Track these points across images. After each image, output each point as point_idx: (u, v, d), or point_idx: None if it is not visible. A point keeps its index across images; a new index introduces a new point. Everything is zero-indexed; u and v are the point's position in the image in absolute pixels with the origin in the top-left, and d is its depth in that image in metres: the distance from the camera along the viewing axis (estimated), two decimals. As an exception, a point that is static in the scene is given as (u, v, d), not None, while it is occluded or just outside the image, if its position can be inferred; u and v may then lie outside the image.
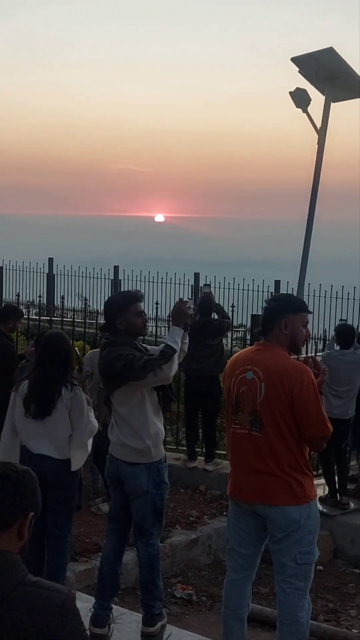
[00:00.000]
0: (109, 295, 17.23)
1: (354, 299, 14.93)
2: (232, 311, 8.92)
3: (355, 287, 14.83)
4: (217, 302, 8.63)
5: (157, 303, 9.65)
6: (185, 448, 7.91)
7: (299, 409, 3.51)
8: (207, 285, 8.95)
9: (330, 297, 15.11)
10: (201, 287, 15.83)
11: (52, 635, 1.85)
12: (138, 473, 4.07)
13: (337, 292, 15.08)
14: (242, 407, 3.66)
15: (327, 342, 9.20)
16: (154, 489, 4.10)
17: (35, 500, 1.98)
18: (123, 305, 4.17)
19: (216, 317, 7.99)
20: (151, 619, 4.20)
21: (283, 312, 3.68)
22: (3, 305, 9.51)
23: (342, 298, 14.99)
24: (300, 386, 3.51)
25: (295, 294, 9.19)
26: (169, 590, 5.63)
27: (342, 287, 15.02)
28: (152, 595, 4.22)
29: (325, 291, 15.08)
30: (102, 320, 6.35)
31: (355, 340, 7.31)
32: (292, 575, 3.63)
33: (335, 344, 7.41)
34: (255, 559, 3.85)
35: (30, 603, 1.86)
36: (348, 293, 14.94)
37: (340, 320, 9.29)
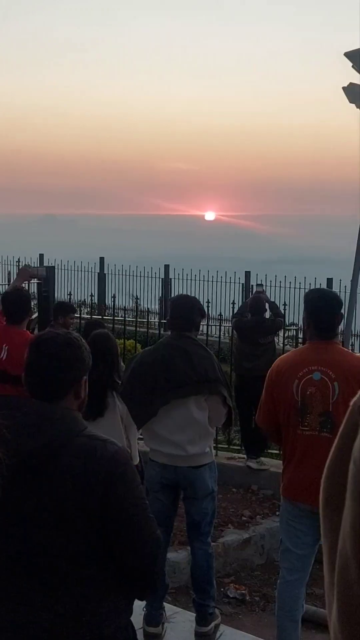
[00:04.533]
0: (160, 294, 17.33)
1: None
2: (285, 309, 8.86)
3: None
4: (272, 301, 8.59)
5: (208, 302, 9.64)
6: (239, 447, 7.89)
7: None
8: (260, 285, 8.92)
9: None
10: (252, 285, 15.76)
11: (102, 481, 2.00)
12: (204, 474, 4.10)
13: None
14: (310, 409, 3.61)
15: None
16: (216, 486, 4.17)
17: (88, 365, 2.22)
18: (200, 308, 4.21)
19: (268, 315, 7.96)
20: (205, 618, 4.20)
21: (341, 308, 3.68)
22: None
23: None
24: None
25: (348, 292, 9.08)
26: (222, 590, 5.62)
27: None
28: (207, 595, 4.21)
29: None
30: (153, 319, 6.39)
31: None
32: None
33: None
34: (310, 559, 3.82)
35: (85, 451, 2.03)
36: None
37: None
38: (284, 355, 3.93)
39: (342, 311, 3.69)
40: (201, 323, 4.43)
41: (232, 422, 4.32)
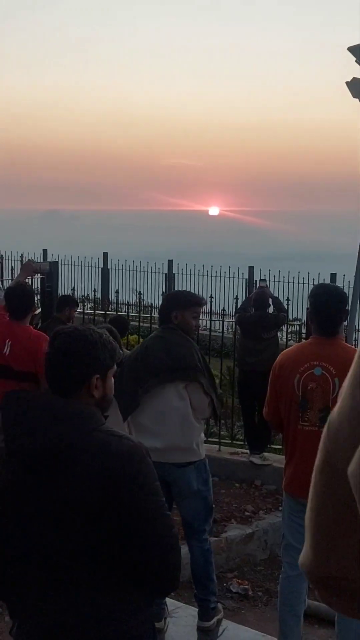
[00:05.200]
0: (163, 289, 17.33)
1: None
2: (288, 305, 8.85)
3: None
4: (275, 296, 8.59)
5: (211, 297, 9.64)
6: (242, 442, 7.89)
7: None
8: (263, 280, 8.93)
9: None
10: (256, 280, 15.75)
11: (117, 477, 1.99)
12: (189, 475, 4.08)
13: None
14: (310, 404, 3.61)
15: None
16: (203, 486, 4.12)
17: (105, 362, 2.19)
18: (185, 302, 4.21)
19: (271, 310, 7.95)
20: (207, 613, 4.21)
21: (346, 304, 3.69)
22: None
23: None
24: None
25: (352, 287, 9.06)
26: (225, 584, 5.62)
27: None
28: (207, 590, 4.22)
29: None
30: (156, 314, 6.39)
31: None
32: None
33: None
34: (312, 555, 3.82)
35: (100, 446, 2.02)
36: None
37: None
38: (287, 349, 3.93)
39: (347, 307, 3.68)
40: (202, 319, 4.50)
41: (217, 414, 4.25)
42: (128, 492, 2.00)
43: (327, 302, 3.68)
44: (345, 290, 13.48)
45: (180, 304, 4.23)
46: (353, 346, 9.22)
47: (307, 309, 8.71)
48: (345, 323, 6.02)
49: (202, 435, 4.28)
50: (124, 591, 2.08)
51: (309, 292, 3.87)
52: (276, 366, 3.81)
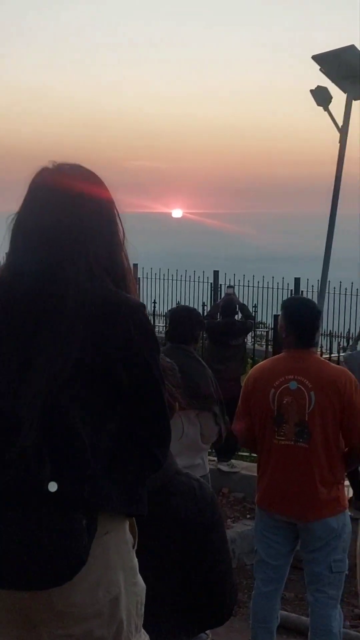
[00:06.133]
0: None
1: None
2: (255, 311, 8.88)
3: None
4: (243, 303, 8.62)
5: (178, 303, 9.63)
6: (210, 450, 7.86)
7: (349, 416, 3.48)
8: (231, 287, 8.97)
9: (351, 294, 15.00)
10: (221, 285, 15.77)
11: (206, 523, 2.03)
12: None
13: (357, 290, 14.96)
14: (286, 419, 3.60)
15: (350, 341, 9.13)
16: None
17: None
18: (200, 320, 4.18)
19: (239, 317, 7.97)
20: None
21: (318, 318, 3.69)
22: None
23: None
24: (351, 392, 3.48)
25: (317, 291, 9.14)
26: (193, 595, 5.59)
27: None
28: None
29: (346, 289, 14.96)
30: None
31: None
32: (326, 584, 3.60)
33: (358, 345, 7.36)
34: (285, 569, 3.82)
35: (186, 491, 2.04)
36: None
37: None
38: (261, 363, 3.92)
39: (320, 321, 3.70)
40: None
41: (222, 440, 4.23)
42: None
43: (299, 315, 3.68)
44: (309, 293, 13.61)
45: (203, 325, 4.16)
46: (319, 352, 9.30)
47: (275, 315, 8.78)
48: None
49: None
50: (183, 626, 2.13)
51: (282, 303, 3.86)
52: (249, 381, 3.78)
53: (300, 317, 3.67)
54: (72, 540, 1.56)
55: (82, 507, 1.59)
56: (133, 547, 1.78)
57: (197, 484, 2.06)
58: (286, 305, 3.80)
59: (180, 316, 4.19)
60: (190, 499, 2.01)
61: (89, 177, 1.88)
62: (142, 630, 1.81)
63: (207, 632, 4.35)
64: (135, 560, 1.78)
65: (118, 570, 1.70)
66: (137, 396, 1.72)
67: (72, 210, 1.78)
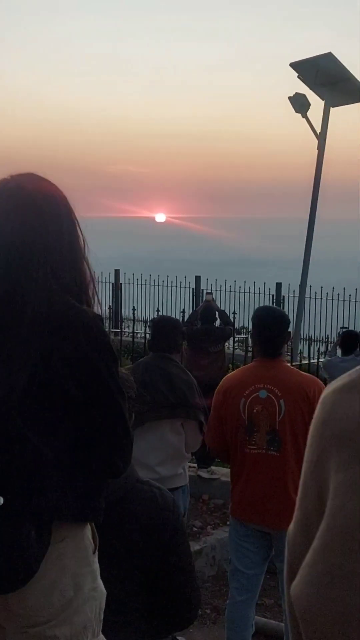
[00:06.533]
0: (110, 300, 17.23)
1: (355, 301, 14.90)
2: (234, 318, 8.92)
3: (357, 289, 14.81)
4: (222, 309, 8.64)
5: (157, 310, 9.64)
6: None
7: None
8: (210, 294, 8.98)
9: (332, 299, 15.08)
10: (203, 290, 15.80)
11: (168, 529, 2.09)
12: (177, 498, 4.08)
13: (338, 295, 15.04)
14: (257, 427, 3.61)
15: (330, 346, 9.18)
16: (187, 509, 4.16)
17: None
18: (182, 330, 4.32)
19: (218, 324, 7.99)
20: None
21: (288, 326, 3.70)
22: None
23: (344, 300, 14.97)
24: (319, 397, 3.49)
25: (297, 296, 9.18)
26: (173, 602, 5.59)
27: (344, 289, 14.99)
28: None
29: (327, 293, 15.05)
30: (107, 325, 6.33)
31: (358, 347, 7.29)
32: None
33: (337, 350, 7.40)
34: (260, 578, 3.83)
35: (147, 498, 2.13)
36: (350, 295, 14.91)
37: (342, 327, 9.31)
38: (231, 374, 3.93)
39: (290, 330, 3.71)
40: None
41: (206, 448, 4.25)
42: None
43: (268, 324, 3.71)
44: (291, 298, 13.57)
45: (185, 335, 4.22)
46: (298, 357, 9.35)
47: (250, 331, 8.84)
48: (290, 343, 6.09)
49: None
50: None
51: (253, 313, 3.88)
52: (220, 391, 3.79)
53: (266, 328, 3.70)
54: (20, 551, 1.63)
55: (29, 520, 1.65)
56: (93, 552, 1.82)
57: (159, 492, 2.12)
58: (254, 315, 3.83)
59: (163, 326, 4.23)
60: (152, 505, 2.07)
61: (46, 188, 1.87)
62: (101, 635, 1.84)
63: (181, 638, 4.37)
64: (96, 565, 1.82)
65: (74, 575, 1.75)
66: (93, 408, 1.75)
67: (30, 224, 1.77)
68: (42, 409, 1.69)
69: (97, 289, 1.94)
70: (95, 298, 1.89)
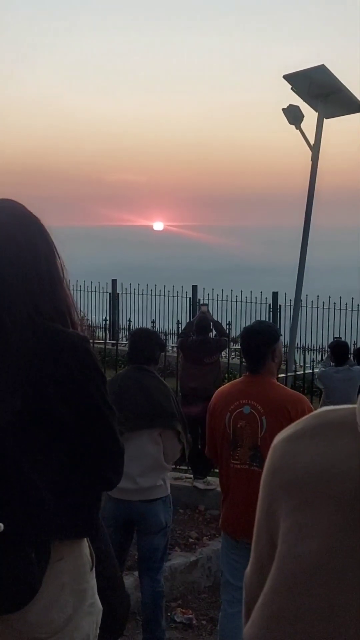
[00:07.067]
0: (108, 309, 17.26)
1: (352, 310, 14.94)
2: (229, 329, 8.96)
3: (353, 298, 14.85)
4: (217, 320, 8.68)
5: (153, 321, 9.68)
6: (185, 467, 7.90)
7: None
8: (205, 305, 9.02)
9: (329, 308, 15.12)
10: (199, 300, 15.84)
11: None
12: (157, 509, 4.10)
13: (334, 303, 15.08)
14: (241, 443, 3.65)
15: (324, 355, 9.21)
16: (168, 521, 4.16)
17: None
18: (160, 342, 4.36)
19: (213, 335, 8.03)
20: None
21: (272, 342, 3.69)
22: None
23: (340, 309, 15.01)
24: (302, 416, 3.51)
25: (292, 305, 9.22)
26: (169, 614, 5.60)
27: (340, 297, 15.03)
28: (153, 635, 4.21)
29: (323, 302, 15.08)
30: (99, 337, 6.38)
31: (351, 356, 7.33)
32: None
33: (330, 361, 7.44)
34: (251, 591, 3.85)
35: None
36: (346, 304, 14.95)
37: (335, 338, 9.34)
38: (221, 387, 3.97)
39: (276, 346, 3.71)
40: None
41: (185, 458, 4.30)
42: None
43: (247, 340, 3.75)
44: (288, 307, 13.50)
45: (163, 346, 4.28)
46: (294, 368, 9.38)
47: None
48: (284, 354, 6.11)
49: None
50: None
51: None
52: (211, 405, 3.85)
53: (247, 345, 3.76)
54: (22, 573, 1.71)
55: (29, 542, 1.73)
56: (91, 569, 1.89)
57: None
58: (242, 332, 3.92)
59: (140, 338, 4.29)
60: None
61: (20, 216, 1.88)
62: None
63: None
64: (93, 582, 1.90)
65: (73, 592, 1.83)
66: (85, 427, 1.81)
67: (6, 257, 1.79)
68: (35, 432, 1.74)
69: (77, 310, 1.96)
70: (78, 320, 1.93)
